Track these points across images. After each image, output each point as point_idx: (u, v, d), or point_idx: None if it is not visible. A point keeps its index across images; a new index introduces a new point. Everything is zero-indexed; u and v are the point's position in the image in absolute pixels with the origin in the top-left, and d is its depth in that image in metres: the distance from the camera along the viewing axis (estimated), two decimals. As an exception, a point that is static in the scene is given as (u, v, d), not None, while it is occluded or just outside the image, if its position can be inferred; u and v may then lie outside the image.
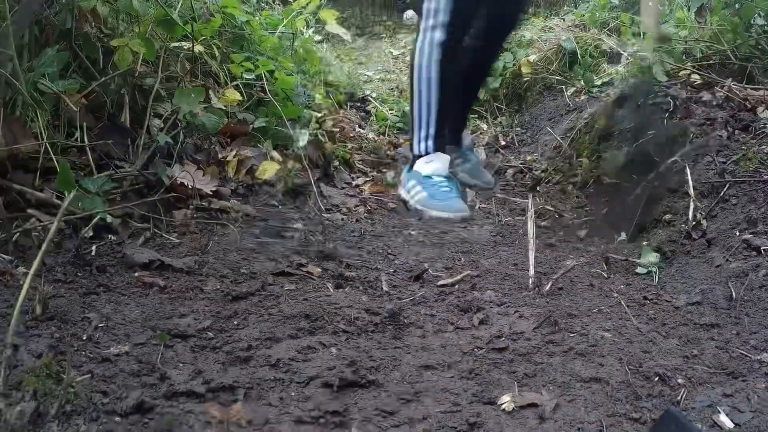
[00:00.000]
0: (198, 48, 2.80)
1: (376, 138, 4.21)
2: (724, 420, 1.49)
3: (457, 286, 2.21)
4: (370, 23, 8.62)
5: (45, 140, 2.16)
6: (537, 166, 3.69)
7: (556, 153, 3.70)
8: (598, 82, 4.16)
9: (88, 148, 2.30)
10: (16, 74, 2.11)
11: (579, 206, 3.11)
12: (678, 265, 2.36)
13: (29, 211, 2.04)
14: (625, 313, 1.99)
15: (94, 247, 2.06)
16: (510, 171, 3.74)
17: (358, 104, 4.99)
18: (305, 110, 3.28)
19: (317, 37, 4.82)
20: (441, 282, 2.24)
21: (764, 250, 2.16)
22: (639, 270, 2.37)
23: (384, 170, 3.53)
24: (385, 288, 2.15)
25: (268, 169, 2.68)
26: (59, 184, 2.03)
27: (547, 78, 4.54)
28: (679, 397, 1.58)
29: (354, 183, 3.29)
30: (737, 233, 2.30)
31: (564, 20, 5.21)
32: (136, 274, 1.99)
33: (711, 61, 3.53)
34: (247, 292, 1.99)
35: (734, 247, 2.24)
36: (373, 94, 5.12)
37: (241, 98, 2.98)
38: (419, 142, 2.78)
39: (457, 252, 2.56)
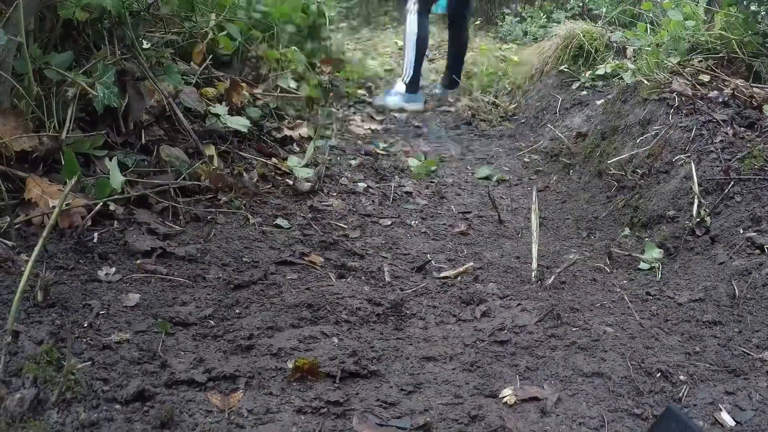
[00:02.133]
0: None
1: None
2: (726, 417, 1.48)
3: (459, 278, 2.21)
4: (376, 13, 8.59)
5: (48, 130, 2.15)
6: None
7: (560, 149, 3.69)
8: (601, 72, 4.15)
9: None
10: (24, 61, 2.09)
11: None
12: (681, 261, 2.35)
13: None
14: (628, 309, 1.98)
15: (95, 234, 2.05)
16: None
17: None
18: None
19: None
20: (443, 274, 2.24)
21: None
22: (642, 266, 2.37)
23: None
24: (387, 279, 2.15)
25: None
26: (66, 171, 2.03)
27: (552, 70, 4.52)
28: (680, 394, 1.57)
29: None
30: (741, 231, 2.29)
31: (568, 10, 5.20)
32: (138, 262, 1.99)
33: (719, 54, 3.50)
34: (249, 281, 1.98)
35: (738, 244, 2.23)
36: None
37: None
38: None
39: (460, 244, 2.56)
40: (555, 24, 4.92)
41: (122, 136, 2.48)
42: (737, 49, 3.45)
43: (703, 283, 2.13)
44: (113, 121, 2.46)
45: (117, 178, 2.15)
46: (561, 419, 1.48)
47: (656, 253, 2.40)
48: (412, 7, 4.56)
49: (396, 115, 4.57)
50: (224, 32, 3.17)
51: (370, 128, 4.15)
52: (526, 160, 3.81)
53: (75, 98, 2.26)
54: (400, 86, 4.70)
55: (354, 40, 6.97)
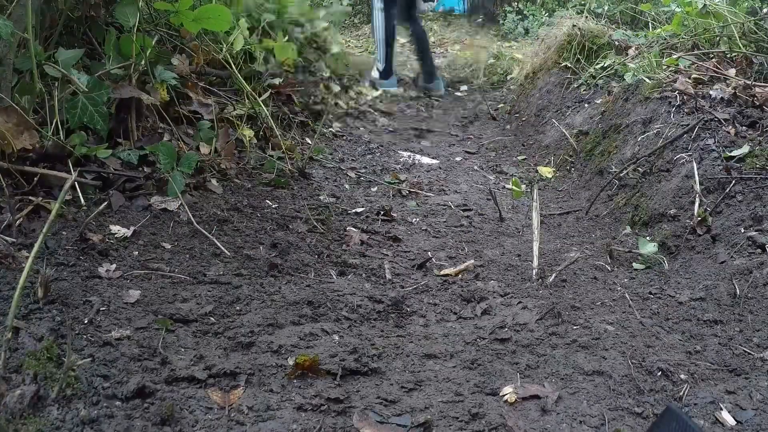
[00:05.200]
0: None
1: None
2: (726, 417, 1.48)
3: (460, 276, 2.20)
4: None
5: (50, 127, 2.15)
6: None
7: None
8: (602, 70, 4.14)
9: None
10: (29, 58, 2.09)
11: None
12: (682, 260, 2.34)
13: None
14: (629, 307, 1.98)
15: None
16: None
17: None
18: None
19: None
20: (444, 271, 2.24)
21: (769, 247, 2.14)
22: (637, 266, 2.35)
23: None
24: (388, 276, 2.15)
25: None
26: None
27: (553, 68, 4.51)
28: (681, 393, 1.57)
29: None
30: (742, 230, 2.28)
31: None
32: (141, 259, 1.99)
33: (719, 50, 3.49)
34: (250, 277, 1.98)
35: (739, 243, 2.23)
36: None
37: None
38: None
39: (461, 242, 2.55)
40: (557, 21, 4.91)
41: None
42: (739, 40, 3.43)
43: (704, 282, 2.13)
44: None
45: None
46: (561, 417, 1.48)
47: (651, 246, 2.39)
48: (378, 5, 5.25)
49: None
50: None
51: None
52: (524, 157, 3.81)
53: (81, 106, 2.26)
54: (375, 72, 5.45)
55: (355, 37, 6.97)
